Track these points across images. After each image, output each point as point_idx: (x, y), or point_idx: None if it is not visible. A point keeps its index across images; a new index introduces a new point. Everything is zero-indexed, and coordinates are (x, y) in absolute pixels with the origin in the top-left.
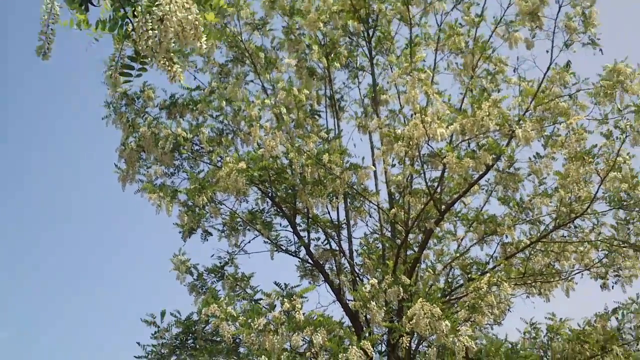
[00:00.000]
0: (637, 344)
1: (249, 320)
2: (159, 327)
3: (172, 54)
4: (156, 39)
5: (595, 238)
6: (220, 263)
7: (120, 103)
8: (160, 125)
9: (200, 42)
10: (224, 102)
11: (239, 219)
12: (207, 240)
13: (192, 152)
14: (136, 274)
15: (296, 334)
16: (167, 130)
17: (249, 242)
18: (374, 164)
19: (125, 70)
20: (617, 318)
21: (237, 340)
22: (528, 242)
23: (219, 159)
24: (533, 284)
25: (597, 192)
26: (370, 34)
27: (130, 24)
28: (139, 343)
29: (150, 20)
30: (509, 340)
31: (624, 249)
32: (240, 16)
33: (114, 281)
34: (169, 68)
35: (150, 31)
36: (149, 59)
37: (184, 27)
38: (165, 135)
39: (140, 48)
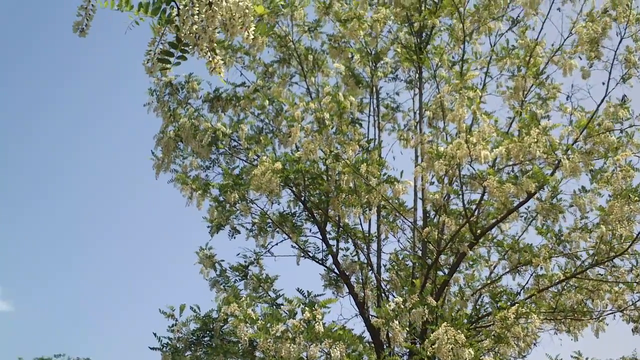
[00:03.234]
0: None
1: (268, 325)
2: (176, 320)
3: (215, 44)
4: (201, 25)
5: (633, 279)
6: (245, 262)
7: (164, 91)
8: (201, 118)
9: (248, 32)
10: (267, 101)
11: (268, 220)
12: (235, 238)
13: (230, 147)
14: (159, 265)
15: (314, 344)
16: (207, 124)
17: (277, 244)
18: (414, 180)
19: (164, 57)
20: None
21: (254, 344)
22: (562, 277)
23: (255, 157)
24: (563, 320)
25: None
26: (422, 48)
27: (175, 8)
28: (155, 334)
29: (197, 5)
30: None
31: None
32: (294, 17)
33: (134, 269)
34: (211, 59)
35: (196, 16)
36: (191, 46)
37: (233, 14)
38: (204, 128)
39: (182, 34)
